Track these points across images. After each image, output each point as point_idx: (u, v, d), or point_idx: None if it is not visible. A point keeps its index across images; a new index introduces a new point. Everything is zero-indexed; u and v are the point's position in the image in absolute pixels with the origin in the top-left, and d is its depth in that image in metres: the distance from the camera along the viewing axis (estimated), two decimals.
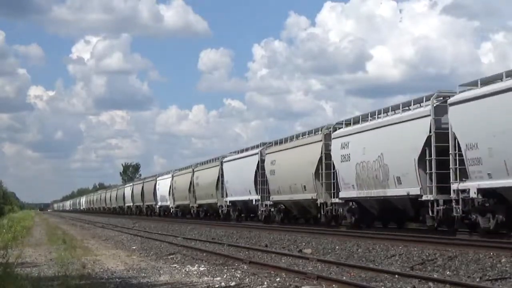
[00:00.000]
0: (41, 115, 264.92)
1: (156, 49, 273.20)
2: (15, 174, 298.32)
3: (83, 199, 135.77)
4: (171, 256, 18.29)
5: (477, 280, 11.53)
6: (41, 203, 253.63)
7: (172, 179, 53.79)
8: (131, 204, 71.91)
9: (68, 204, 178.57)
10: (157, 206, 58.44)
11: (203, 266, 14.98)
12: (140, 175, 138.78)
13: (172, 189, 53.53)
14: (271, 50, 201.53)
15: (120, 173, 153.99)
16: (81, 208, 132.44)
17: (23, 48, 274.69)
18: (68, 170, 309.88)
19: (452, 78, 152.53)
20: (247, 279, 12.27)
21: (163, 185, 56.54)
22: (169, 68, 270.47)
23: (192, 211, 47.44)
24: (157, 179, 59.59)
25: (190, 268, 14.64)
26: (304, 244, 19.69)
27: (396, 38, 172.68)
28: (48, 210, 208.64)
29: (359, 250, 17.02)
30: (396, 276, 12.00)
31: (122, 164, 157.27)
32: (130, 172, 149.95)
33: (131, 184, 78.45)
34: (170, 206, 54.20)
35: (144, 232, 32.07)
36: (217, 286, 11.62)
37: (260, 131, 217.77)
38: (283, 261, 15.85)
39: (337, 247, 18.05)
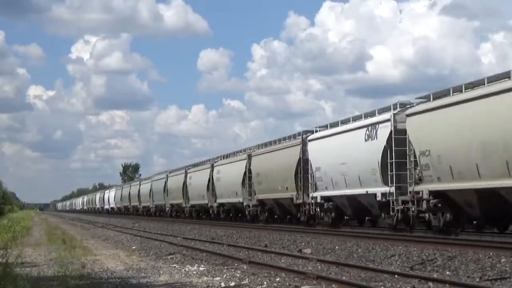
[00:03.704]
0: (40, 115, 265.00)
1: (155, 49, 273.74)
2: (15, 174, 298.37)
3: (111, 194, 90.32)
4: (171, 256, 18.29)
5: (477, 280, 11.53)
6: (41, 203, 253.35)
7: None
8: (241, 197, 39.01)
9: (79, 202, 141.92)
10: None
11: (202, 266, 14.97)
12: (140, 175, 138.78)
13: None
14: (271, 50, 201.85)
15: (120, 173, 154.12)
16: (108, 207, 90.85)
17: (22, 48, 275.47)
18: (68, 170, 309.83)
19: (452, 79, 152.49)
20: (247, 279, 12.26)
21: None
22: (169, 68, 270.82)
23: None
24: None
25: (190, 268, 14.64)
26: (303, 244, 19.69)
27: (396, 38, 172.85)
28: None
29: (358, 250, 17.03)
30: (396, 276, 11.99)
31: (122, 164, 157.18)
32: (129, 172, 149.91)
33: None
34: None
35: (143, 232, 32.08)
36: (216, 286, 11.61)
37: (260, 131, 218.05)
38: (282, 261, 15.84)
39: (336, 247, 18.05)
